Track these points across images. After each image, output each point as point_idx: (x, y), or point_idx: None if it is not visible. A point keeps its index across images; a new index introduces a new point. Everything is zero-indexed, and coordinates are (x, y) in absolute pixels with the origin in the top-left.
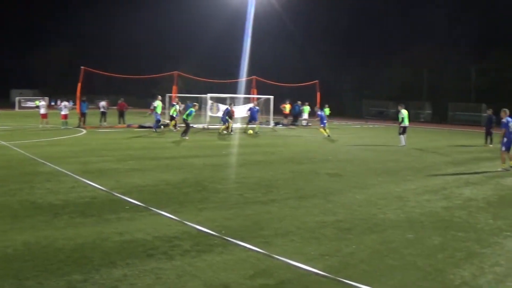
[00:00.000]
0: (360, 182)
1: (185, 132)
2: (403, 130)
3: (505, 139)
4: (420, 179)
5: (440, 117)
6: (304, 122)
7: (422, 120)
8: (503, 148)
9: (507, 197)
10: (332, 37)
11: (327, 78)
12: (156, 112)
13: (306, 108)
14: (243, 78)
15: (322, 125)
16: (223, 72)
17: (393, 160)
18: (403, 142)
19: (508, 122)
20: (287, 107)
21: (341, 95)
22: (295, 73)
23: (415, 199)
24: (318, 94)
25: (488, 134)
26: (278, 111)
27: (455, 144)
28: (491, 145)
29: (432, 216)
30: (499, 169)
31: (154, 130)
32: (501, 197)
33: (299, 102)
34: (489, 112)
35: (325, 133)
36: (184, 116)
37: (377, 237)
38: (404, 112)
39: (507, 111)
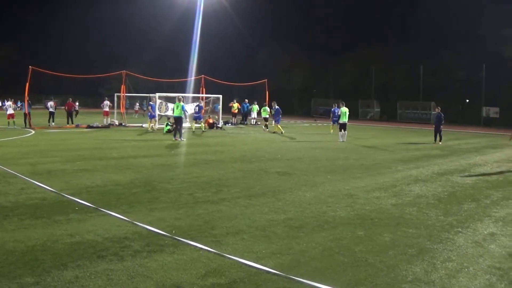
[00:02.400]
0: (310, 180)
1: (177, 132)
2: (340, 127)
3: None
4: (370, 176)
5: (388, 115)
6: (253, 121)
7: (369, 118)
8: None
9: (457, 193)
10: (281, 36)
11: (276, 77)
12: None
13: (255, 107)
14: (192, 77)
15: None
16: (172, 71)
17: (342, 158)
18: (340, 139)
19: None
20: (235, 106)
21: (290, 94)
22: (244, 72)
23: (364, 196)
24: (267, 93)
25: (437, 132)
26: (227, 110)
27: (404, 141)
28: (440, 143)
29: (382, 213)
30: None
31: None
32: (451, 194)
33: (247, 101)
34: (438, 110)
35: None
36: (177, 113)
37: (327, 234)
38: (342, 110)
39: None
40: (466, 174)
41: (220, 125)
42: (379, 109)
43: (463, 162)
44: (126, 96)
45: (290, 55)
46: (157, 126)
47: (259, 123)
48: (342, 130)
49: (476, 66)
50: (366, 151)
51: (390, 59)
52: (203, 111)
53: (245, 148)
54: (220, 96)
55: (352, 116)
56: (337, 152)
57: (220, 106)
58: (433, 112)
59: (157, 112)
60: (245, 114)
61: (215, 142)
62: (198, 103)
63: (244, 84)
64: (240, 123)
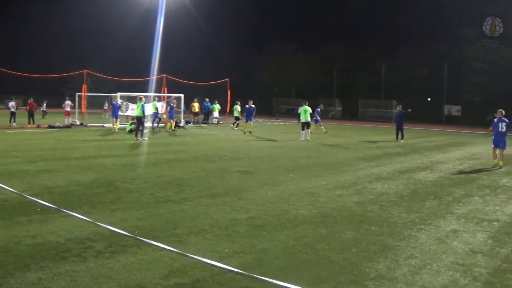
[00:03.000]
0: (272, 179)
1: (139, 132)
2: (302, 125)
3: (494, 138)
4: (331, 175)
5: (350, 114)
6: (214, 120)
7: (330, 116)
8: (493, 145)
9: (419, 191)
10: (242, 36)
11: (238, 76)
12: (154, 112)
13: (216, 106)
14: (153, 77)
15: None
16: (134, 70)
17: (304, 156)
18: (302, 137)
19: (499, 122)
20: (195, 106)
21: (251, 93)
22: (206, 71)
23: (326, 194)
24: (229, 92)
25: (399, 130)
26: (188, 109)
27: (366, 140)
28: (402, 141)
29: (345, 211)
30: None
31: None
32: (413, 191)
33: (207, 100)
34: (399, 108)
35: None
36: (138, 113)
37: (290, 232)
38: (302, 108)
39: (503, 112)
40: (428, 171)
41: (182, 125)
42: (340, 108)
43: (425, 159)
44: (87, 95)
45: (251, 54)
46: (119, 125)
47: (221, 122)
48: (305, 128)
49: (438, 65)
50: (328, 149)
51: (352, 58)
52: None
53: (207, 148)
54: (182, 95)
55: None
56: (299, 151)
57: (182, 105)
58: (395, 111)
59: (119, 113)
60: (206, 114)
61: (177, 141)
62: (170, 103)
63: (206, 84)
64: (202, 123)
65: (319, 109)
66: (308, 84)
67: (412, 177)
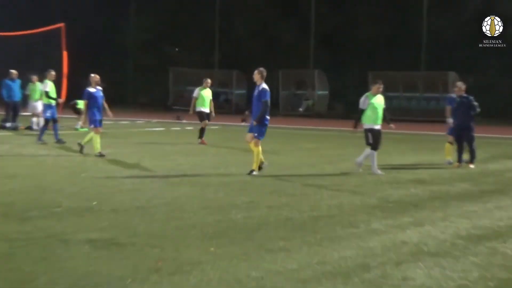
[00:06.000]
0: (168, 260)
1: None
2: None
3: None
4: (308, 245)
5: None
6: (35, 121)
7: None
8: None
9: None
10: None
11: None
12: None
13: (38, 89)
14: None
15: None
16: None
17: (245, 202)
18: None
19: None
20: None
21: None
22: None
23: None
24: (65, 54)
25: None
26: None
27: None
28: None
29: None
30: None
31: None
32: None
33: (14, 72)
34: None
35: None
36: None
37: None
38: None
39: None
40: None
41: None
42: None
43: None
44: None
45: None
46: None
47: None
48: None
49: None
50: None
51: None
52: None
53: (13, 186)
54: None
55: None
56: (232, 190)
57: None
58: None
59: None
60: (13, 106)
61: None
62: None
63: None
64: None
65: None
66: None
67: None
